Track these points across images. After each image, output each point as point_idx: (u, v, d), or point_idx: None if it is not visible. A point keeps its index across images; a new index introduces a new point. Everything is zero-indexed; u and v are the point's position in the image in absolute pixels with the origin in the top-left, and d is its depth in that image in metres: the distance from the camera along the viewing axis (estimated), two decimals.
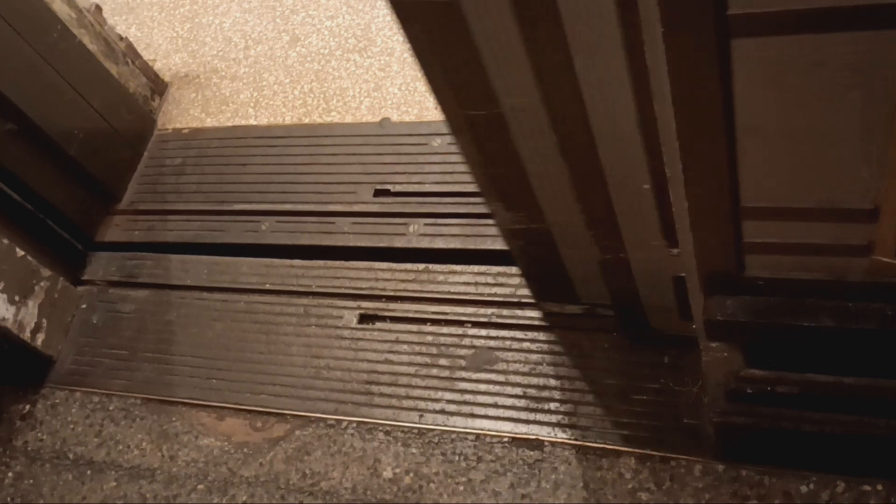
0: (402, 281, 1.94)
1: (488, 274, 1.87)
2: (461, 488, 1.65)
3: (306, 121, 2.33)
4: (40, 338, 2.06)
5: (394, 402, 1.78)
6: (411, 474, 1.70)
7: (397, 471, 1.71)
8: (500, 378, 1.74)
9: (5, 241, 1.97)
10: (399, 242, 1.99)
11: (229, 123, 2.41)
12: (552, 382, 1.70)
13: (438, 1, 1.06)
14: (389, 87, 2.30)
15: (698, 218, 1.00)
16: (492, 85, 1.17)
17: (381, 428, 1.76)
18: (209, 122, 2.43)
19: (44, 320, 2.07)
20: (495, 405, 1.71)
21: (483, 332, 1.81)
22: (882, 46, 0.75)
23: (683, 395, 1.60)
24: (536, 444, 1.65)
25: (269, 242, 2.12)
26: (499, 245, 1.80)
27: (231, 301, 2.04)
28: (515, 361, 1.75)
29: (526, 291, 1.78)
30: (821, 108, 0.84)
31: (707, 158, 0.92)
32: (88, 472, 1.90)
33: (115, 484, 1.87)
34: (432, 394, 1.76)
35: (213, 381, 1.93)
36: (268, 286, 2.04)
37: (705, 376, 1.36)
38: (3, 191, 2.04)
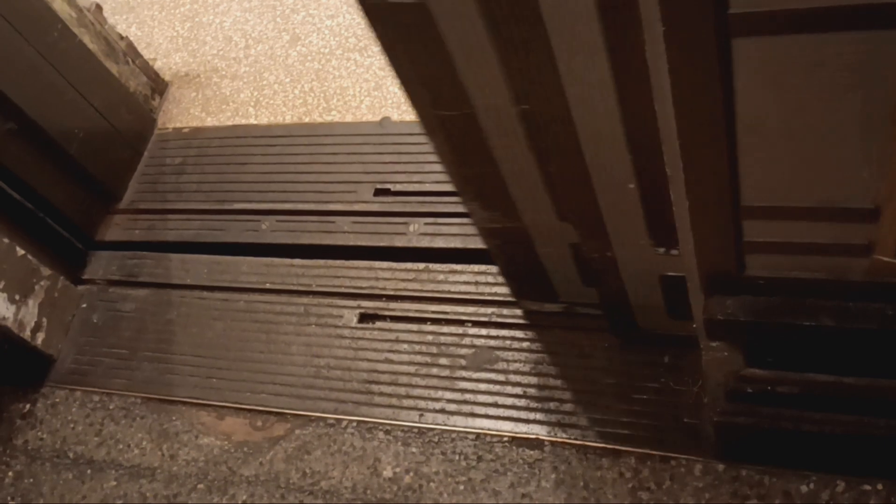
0: (403, 280, 1.94)
1: (489, 273, 1.87)
2: (461, 487, 1.65)
3: (307, 120, 2.33)
4: (40, 337, 2.06)
5: (394, 401, 1.78)
6: (411, 473, 1.70)
7: (397, 470, 1.71)
8: (501, 377, 1.74)
9: (5, 240, 1.97)
10: (399, 242, 1.99)
11: (230, 123, 2.41)
12: (552, 382, 1.70)
13: (407, 3, 1.06)
14: (390, 86, 2.30)
15: (698, 218, 1.00)
16: (463, 85, 1.18)
17: (381, 427, 1.76)
18: (209, 122, 2.43)
19: (44, 319, 2.07)
20: (495, 404, 1.71)
21: (483, 331, 1.81)
22: (882, 46, 0.75)
23: (683, 395, 1.60)
24: (536, 444, 1.65)
25: (269, 242, 2.12)
26: None
27: (231, 300, 2.05)
28: (516, 361, 1.75)
29: None
30: (821, 107, 0.84)
31: (707, 158, 0.92)
32: (88, 471, 1.90)
33: (115, 483, 1.87)
34: (432, 393, 1.76)
35: (214, 380, 1.93)
36: (268, 285, 2.04)
37: (705, 376, 1.36)
38: (3, 190, 2.05)
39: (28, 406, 2.05)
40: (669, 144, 0.92)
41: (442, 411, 1.74)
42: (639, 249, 1.39)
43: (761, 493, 1.48)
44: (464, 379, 1.76)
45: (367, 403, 1.79)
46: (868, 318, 1.06)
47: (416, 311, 1.88)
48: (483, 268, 1.88)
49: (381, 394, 1.80)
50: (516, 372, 1.73)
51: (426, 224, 1.99)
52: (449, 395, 1.75)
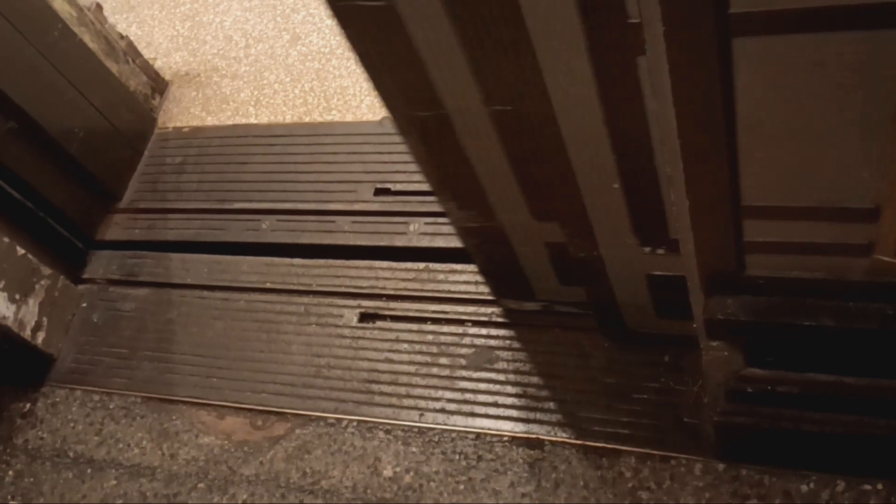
0: (403, 280, 1.94)
1: None
2: (461, 487, 1.65)
3: (307, 119, 2.33)
4: (41, 336, 2.06)
5: (394, 400, 1.78)
6: (411, 473, 1.70)
7: (397, 469, 1.71)
8: (501, 377, 1.74)
9: (6, 239, 1.97)
10: (399, 241, 1.99)
11: (230, 122, 2.41)
12: (553, 381, 1.70)
13: (375, 5, 1.06)
14: None
15: (699, 218, 1.00)
16: (434, 87, 1.18)
17: (381, 427, 1.76)
18: (210, 121, 2.43)
19: (44, 319, 2.07)
20: (495, 404, 1.71)
21: (483, 330, 1.81)
22: (882, 46, 0.75)
23: (683, 395, 1.60)
24: (536, 443, 1.65)
25: (269, 241, 2.12)
26: None
27: (231, 300, 2.05)
28: (516, 360, 1.75)
29: None
30: (821, 108, 0.84)
31: (708, 158, 0.92)
32: (89, 470, 1.90)
33: (115, 482, 1.87)
34: (432, 392, 1.76)
35: (214, 379, 1.93)
36: (268, 285, 2.04)
37: (705, 376, 1.36)
38: (3, 189, 2.05)
39: (28, 405, 2.05)
40: (669, 144, 0.92)
41: (442, 411, 1.74)
42: (625, 249, 1.39)
43: (761, 492, 1.48)
44: (464, 378, 1.76)
45: (367, 403, 1.80)
46: (868, 318, 1.06)
47: (417, 310, 1.88)
48: None
49: (382, 393, 1.80)
50: (516, 371, 1.73)
51: (426, 224, 1.99)
52: (449, 394, 1.75)
